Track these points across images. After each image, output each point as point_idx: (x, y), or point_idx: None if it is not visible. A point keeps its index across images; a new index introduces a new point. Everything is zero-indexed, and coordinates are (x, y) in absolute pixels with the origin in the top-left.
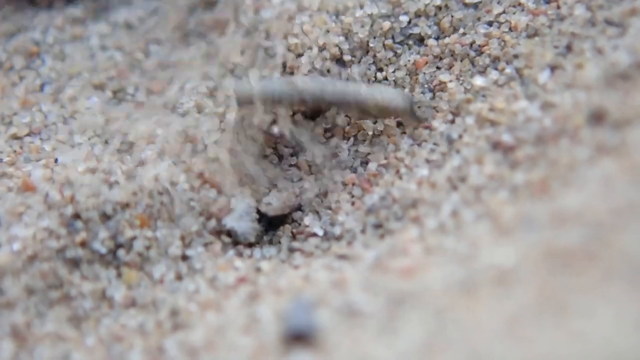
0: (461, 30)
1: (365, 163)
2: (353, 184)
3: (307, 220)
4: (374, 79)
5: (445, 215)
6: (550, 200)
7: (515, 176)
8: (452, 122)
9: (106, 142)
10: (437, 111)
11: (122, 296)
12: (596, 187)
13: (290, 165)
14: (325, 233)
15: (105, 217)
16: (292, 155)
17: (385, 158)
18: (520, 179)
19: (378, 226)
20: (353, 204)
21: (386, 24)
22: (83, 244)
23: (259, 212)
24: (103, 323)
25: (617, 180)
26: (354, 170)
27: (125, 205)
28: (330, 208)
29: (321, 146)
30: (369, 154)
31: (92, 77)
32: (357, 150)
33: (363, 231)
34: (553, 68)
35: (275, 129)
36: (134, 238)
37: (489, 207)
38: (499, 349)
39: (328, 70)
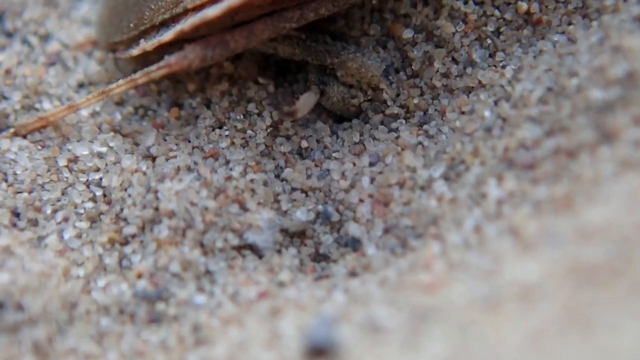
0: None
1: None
2: (372, 204)
3: (325, 238)
4: None
5: (468, 231)
6: (574, 215)
7: (538, 191)
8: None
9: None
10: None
11: (144, 311)
12: (621, 201)
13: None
14: (344, 250)
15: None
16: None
17: (401, 174)
18: (543, 194)
19: (399, 243)
20: (370, 222)
21: None
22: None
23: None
24: (125, 339)
25: None
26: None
27: (149, 222)
28: (348, 229)
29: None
30: (380, 172)
31: None
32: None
33: (382, 248)
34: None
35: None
36: (157, 253)
37: (511, 222)
38: None
39: None
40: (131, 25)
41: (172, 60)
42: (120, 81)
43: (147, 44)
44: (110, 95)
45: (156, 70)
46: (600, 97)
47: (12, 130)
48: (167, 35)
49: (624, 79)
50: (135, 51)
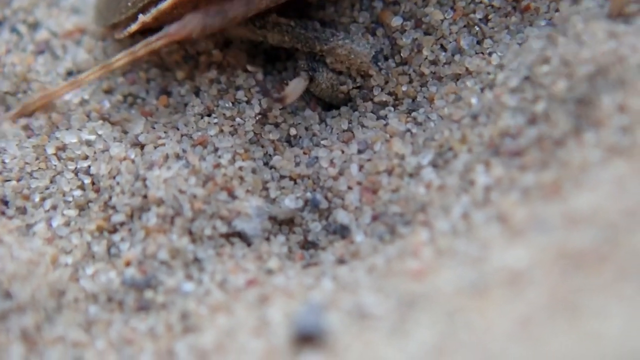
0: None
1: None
2: (361, 191)
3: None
4: None
5: (456, 218)
6: (562, 201)
7: (526, 178)
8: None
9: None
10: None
11: (132, 299)
12: (608, 188)
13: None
14: (332, 239)
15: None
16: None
17: (389, 161)
18: (531, 181)
19: (387, 230)
20: (358, 209)
21: None
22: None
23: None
24: (113, 326)
25: (629, 181)
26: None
27: (137, 210)
28: (336, 216)
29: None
30: (369, 159)
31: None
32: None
33: (371, 235)
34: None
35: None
36: (145, 241)
37: (500, 209)
38: (510, 351)
39: None
40: (129, 4)
41: (172, 30)
42: (121, 54)
43: (145, 17)
44: (111, 69)
45: (156, 41)
46: (566, 87)
47: (17, 110)
48: (166, 2)
49: (592, 71)
50: (134, 26)
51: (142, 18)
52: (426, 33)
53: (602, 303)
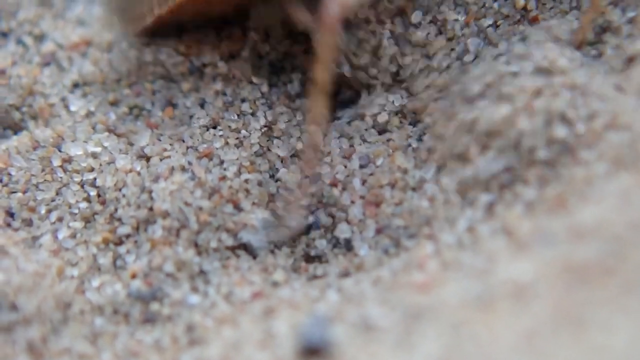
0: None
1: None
2: (364, 205)
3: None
4: None
5: (461, 231)
6: (568, 214)
7: (530, 192)
8: None
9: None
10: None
11: (138, 312)
12: (614, 201)
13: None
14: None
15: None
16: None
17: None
18: (536, 194)
19: (392, 243)
20: (362, 222)
21: None
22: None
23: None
24: (119, 339)
25: (634, 194)
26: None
27: (143, 222)
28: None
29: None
30: (371, 174)
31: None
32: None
33: (375, 248)
34: None
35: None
36: (151, 253)
37: (505, 222)
38: None
39: None
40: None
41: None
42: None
43: (160, 9)
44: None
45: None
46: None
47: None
48: None
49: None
50: (148, 19)
51: (157, 10)
52: None
53: (608, 317)
